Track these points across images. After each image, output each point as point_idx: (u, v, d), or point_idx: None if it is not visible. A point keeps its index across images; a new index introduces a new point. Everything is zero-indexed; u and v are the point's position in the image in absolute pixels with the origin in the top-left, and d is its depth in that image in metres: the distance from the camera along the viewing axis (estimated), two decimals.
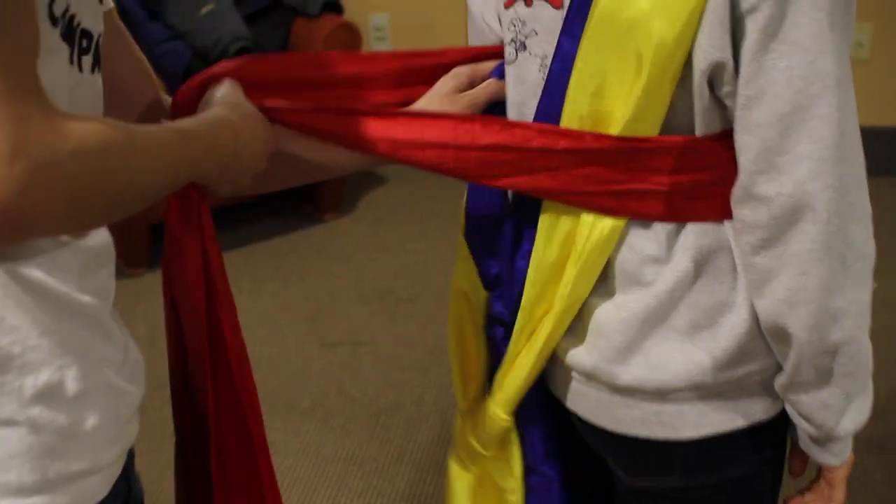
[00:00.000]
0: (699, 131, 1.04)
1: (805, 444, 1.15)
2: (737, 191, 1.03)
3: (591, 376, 1.14)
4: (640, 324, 1.09)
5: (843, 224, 0.99)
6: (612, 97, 1.03)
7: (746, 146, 1.00)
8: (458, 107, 1.20)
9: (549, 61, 1.08)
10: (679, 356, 1.09)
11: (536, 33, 1.10)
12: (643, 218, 1.08)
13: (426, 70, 1.24)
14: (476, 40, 1.26)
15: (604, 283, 1.11)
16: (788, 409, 1.13)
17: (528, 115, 1.13)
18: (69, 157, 0.79)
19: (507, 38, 1.15)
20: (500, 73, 1.20)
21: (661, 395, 1.11)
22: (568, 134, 1.06)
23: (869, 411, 1.11)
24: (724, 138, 1.04)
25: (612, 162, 1.06)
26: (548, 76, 1.08)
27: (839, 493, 1.18)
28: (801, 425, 1.13)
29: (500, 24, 1.18)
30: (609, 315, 1.11)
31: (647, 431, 1.14)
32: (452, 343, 1.31)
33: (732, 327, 1.08)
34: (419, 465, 2.55)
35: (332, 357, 3.01)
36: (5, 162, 0.75)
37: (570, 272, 1.10)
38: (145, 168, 0.90)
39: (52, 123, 0.78)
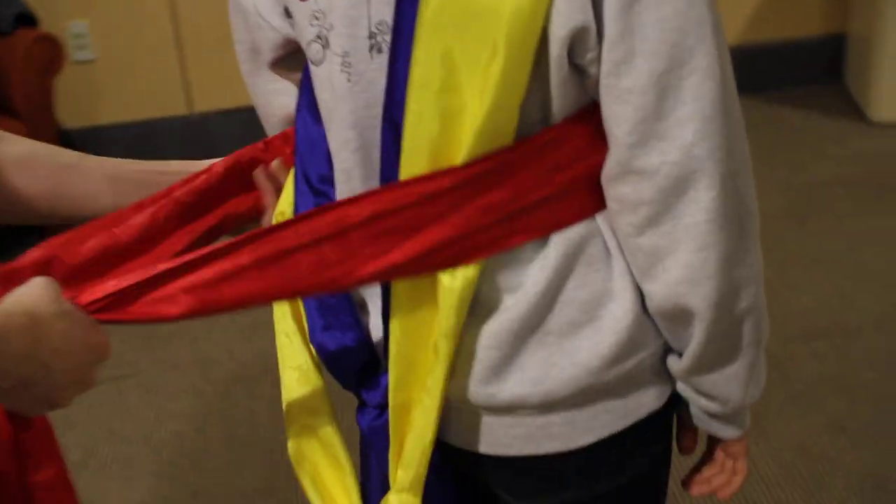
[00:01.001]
0: (557, 114, 0.93)
1: (703, 421, 1.08)
2: (611, 169, 0.92)
3: (464, 401, 1.01)
4: (514, 335, 0.97)
5: (736, 185, 0.91)
6: (465, 88, 0.88)
7: (619, 117, 0.88)
8: None
9: (350, 58, 0.95)
10: (561, 361, 0.98)
11: (333, 26, 0.95)
12: (528, 239, 0.96)
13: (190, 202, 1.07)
14: (244, 38, 1.10)
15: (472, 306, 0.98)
16: (685, 390, 1.05)
17: (344, 123, 0.99)
18: None
19: (310, 35, 0.98)
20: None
21: (547, 407, 1.00)
22: (416, 182, 0.92)
23: (765, 374, 1.05)
24: (583, 118, 0.94)
25: (495, 183, 0.93)
26: (389, 72, 0.92)
27: (743, 464, 1.13)
28: (701, 404, 1.05)
29: (292, 19, 1.03)
30: (479, 333, 0.98)
31: (533, 448, 1.03)
32: (308, 473, 1.10)
33: (615, 319, 0.98)
34: (217, 498, 2.39)
35: (92, 397, 2.77)
36: None
37: (445, 318, 0.96)
38: None
39: None
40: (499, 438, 1.03)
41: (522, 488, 1.09)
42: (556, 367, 0.98)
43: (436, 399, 0.98)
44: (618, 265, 0.98)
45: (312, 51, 0.99)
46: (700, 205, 0.90)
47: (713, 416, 1.06)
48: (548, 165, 0.93)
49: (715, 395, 1.03)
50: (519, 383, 0.99)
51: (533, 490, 1.08)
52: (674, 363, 1.03)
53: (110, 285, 0.92)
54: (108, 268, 1.01)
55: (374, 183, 0.98)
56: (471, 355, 0.99)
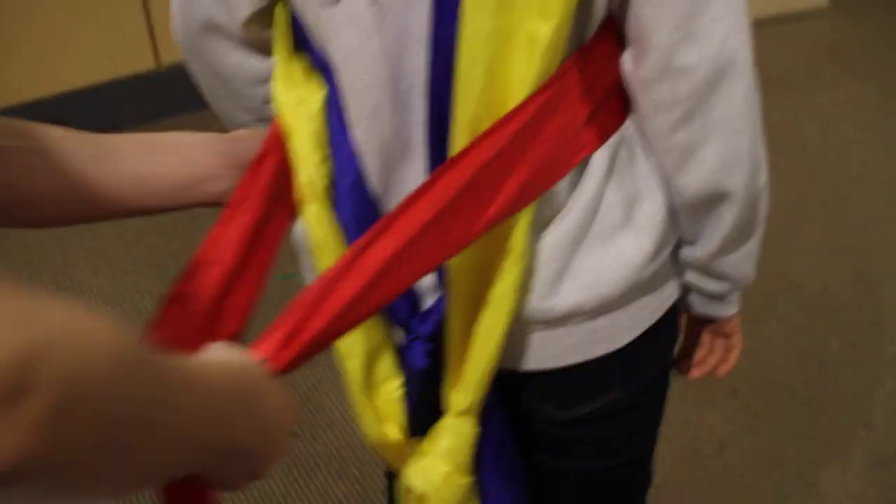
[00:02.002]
0: (589, 29, 0.96)
1: (702, 305, 1.16)
2: (649, 72, 0.94)
3: (522, 319, 1.03)
4: (569, 245, 1.01)
5: (754, 70, 0.96)
6: (527, 4, 0.88)
7: (658, 20, 0.91)
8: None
9: None
10: (610, 264, 1.02)
11: None
12: (590, 152, 0.99)
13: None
14: (201, 6, 1.05)
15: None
16: (695, 277, 1.12)
17: (374, 58, 0.97)
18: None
19: None
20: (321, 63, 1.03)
21: (598, 310, 1.04)
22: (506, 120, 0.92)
23: None
24: (605, 30, 0.97)
25: (562, 103, 0.95)
26: (434, 4, 0.91)
27: (739, 338, 1.23)
28: (710, 287, 1.12)
29: None
30: (537, 247, 1.01)
31: (583, 355, 1.07)
32: (359, 394, 1.11)
33: (649, 216, 1.03)
34: None
35: None
36: (5, 395, 0.50)
37: (521, 235, 0.97)
38: (164, 404, 0.62)
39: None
40: (550, 351, 1.07)
41: (569, 397, 1.13)
42: (607, 269, 1.02)
43: (503, 317, 1.00)
44: (643, 167, 1.02)
45: None
46: (734, 95, 0.94)
47: (715, 297, 1.14)
48: (589, 79, 0.97)
49: (730, 274, 1.09)
50: (574, 290, 1.02)
51: (580, 396, 1.13)
52: (692, 252, 1.08)
53: (304, 335, 0.88)
54: (231, 302, 0.97)
55: (407, 116, 0.98)
56: (530, 271, 1.01)
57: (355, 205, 1.03)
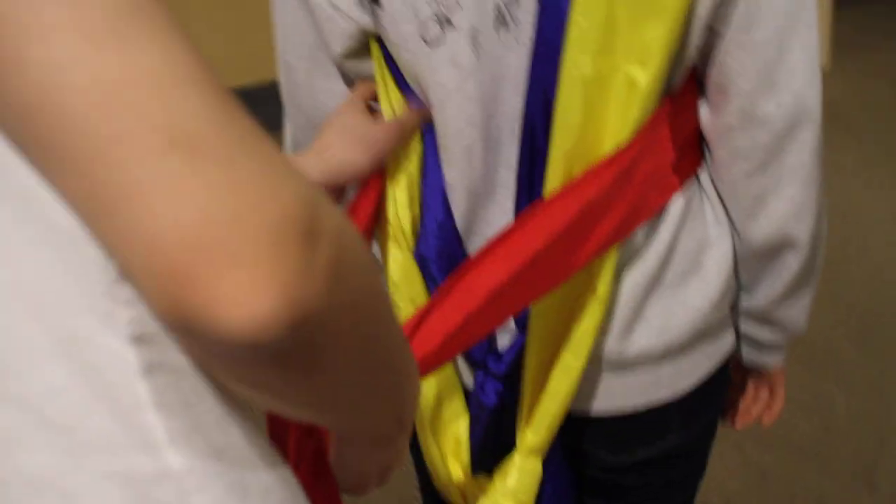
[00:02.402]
0: (680, 78, 0.99)
1: (753, 354, 1.18)
2: (730, 119, 0.98)
3: (595, 360, 1.06)
4: (644, 290, 1.04)
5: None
6: (620, 52, 0.91)
7: (744, 68, 0.96)
8: (377, 148, 1.02)
9: (479, 35, 0.95)
10: (678, 310, 1.05)
11: (460, 5, 0.94)
12: (669, 199, 1.03)
13: None
14: (307, 36, 1.04)
15: None
16: (751, 325, 1.14)
17: (470, 100, 0.98)
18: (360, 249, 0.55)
19: (424, 14, 0.96)
20: (416, 102, 1.03)
21: (663, 356, 1.07)
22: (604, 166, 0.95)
23: None
24: (689, 81, 1.00)
25: (652, 150, 0.98)
26: (536, 41, 0.93)
27: (782, 390, 1.26)
28: (764, 336, 1.15)
29: (377, 4, 0.99)
30: (616, 290, 1.04)
31: (646, 399, 1.10)
32: (427, 432, 1.13)
33: (717, 264, 1.06)
34: None
35: None
36: (301, 241, 0.49)
37: (605, 277, 1.00)
38: (388, 332, 0.62)
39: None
40: (615, 395, 1.09)
41: (628, 442, 1.15)
42: (675, 316, 1.06)
43: (582, 357, 1.02)
44: (711, 215, 1.06)
45: (429, 31, 0.97)
46: (806, 143, 0.98)
47: (766, 347, 1.16)
48: (677, 126, 1.00)
49: (786, 323, 1.12)
50: (645, 335, 1.05)
51: (639, 442, 1.15)
52: (752, 300, 1.11)
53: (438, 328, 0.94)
54: None
55: (496, 156, 1.01)
56: (608, 313, 1.04)
57: (441, 242, 1.05)
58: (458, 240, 1.05)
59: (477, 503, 1.12)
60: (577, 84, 0.92)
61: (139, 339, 0.55)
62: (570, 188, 0.95)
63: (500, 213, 1.03)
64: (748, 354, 1.18)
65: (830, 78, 4.07)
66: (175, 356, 0.56)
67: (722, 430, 1.28)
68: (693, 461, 1.24)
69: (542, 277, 0.96)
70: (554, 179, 0.96)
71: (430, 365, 0.95)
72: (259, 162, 0.49)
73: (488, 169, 1.02)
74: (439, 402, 1.11)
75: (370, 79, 1.05)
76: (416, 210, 1.06)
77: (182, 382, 0.57)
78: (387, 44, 1.01)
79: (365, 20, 1.00)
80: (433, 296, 0.98)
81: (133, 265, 0.49)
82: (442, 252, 1.05)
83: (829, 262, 2.94)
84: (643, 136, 0.96)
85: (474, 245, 1.05)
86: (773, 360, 1.19)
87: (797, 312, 1.12)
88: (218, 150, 0.48)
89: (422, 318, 0.97)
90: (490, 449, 1.11)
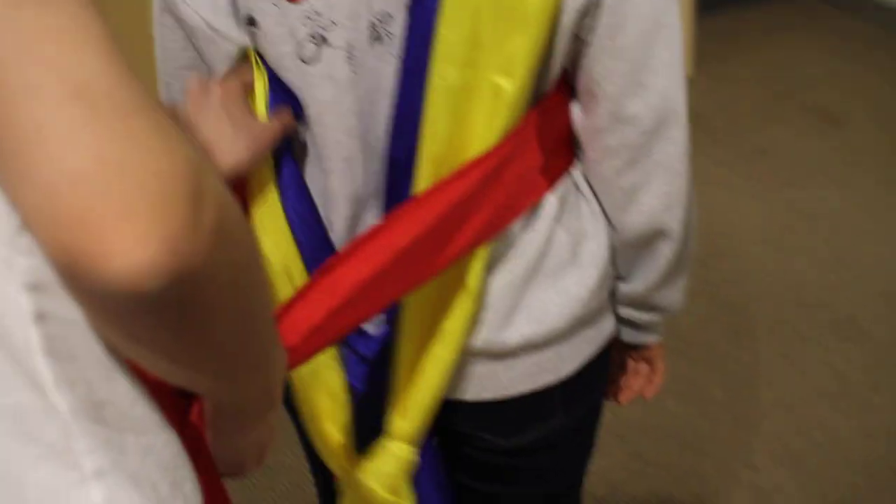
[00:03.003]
0: (548, 83, 1.02)
1: (633, 335, 1.23)
2: (600, 121, 1.03)
3: (474, 351, 1.10)
4: (523, 281, 1.08)
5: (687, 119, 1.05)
6: (486, 62, 0.95)
7: (611, 73, 0.99)
8: (260, 144, 1.02)
9: (354, 50, 0.98)
10: (558, 299, 1.09)
11: (336, 22, 0.98)
12: (542, 195, 1.07)
13: None
14: (183, 57, 1.08)
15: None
16: (629, 310, 1.20)
17: (348, 113, 1.02)
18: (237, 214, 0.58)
19: (300, 34, 0.99)
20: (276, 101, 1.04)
21: (546, 343, 1.11)
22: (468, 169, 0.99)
23: None
24: (558, 84, 1.04)
25: (521, 152, 1.02)
26: (405, 53, 0.97)
27: (661, 364, 1.32)
28: (643, 319, 1.20)
29: (255, 27, 1.01)
30: (493, 282, 1.08)
31: (530, 385, 1.13)
32: (307, 407, 1.17)
33: (593, 255, 1.11)
34: None
35: None
36: (190, 199, 0.52)
37: (476, 271, 1.05)
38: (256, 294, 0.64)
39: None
40: (499, 382, 1.12)
41: (513, 426, 1.18)
42: (555, 304, 1.09)
43: (452, 350, 1.06)
44: (587, 209, 1.10)
45: (306, 51, 1.00)
46: (673, 140, 1.03)
47: (645, 327, 1.22)
48: (545, 128, 1.03)
49: (664, 306, 1.18)
50: (525, 324, 1.09)
51: (524, 425, 1.18)
52: (630, 288, 1.16)
53: (303, 320, 0.97)
54: None
55: (376, 165, 1.04)
56: (486, 306, 1.08)
57: (307, 237, 1.07)
58: (325, 238, 1.08)
59: (351, 481, 1.16)
60: (443, 94, 0.96)
61: (34, 287, 0.58)
62: (436, 189, 0.98)
63: (377, 217, 1.07)
64: (627, 335, 1.24)
65: (693, 84, 4.21)
66: (68, 309, 0.59)
67: (604, 423, 1.33)
68: (578, 444, 1.28)
69: (407, 274, 0.99)
70: (422, 184, 0.99)
71: (296, 358, 0.97)
72: (153, 122, 0.52)
73: (369, 177, 1.05)
74: (315, 366, 1.13)
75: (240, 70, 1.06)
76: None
77: (71, 334, 0.60)
78: (267, 60, 1.03)
79: (244, 40, 1.02)
80: (296, 292, 1.00)
81: (29, 208, 0.51)
82: (319, 259, 1.07)
83: (702, 260, 3.09)
84: (511, 141, 0.99)
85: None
86: (651, 338, 1.26)
87: (673, 294, 1.18)
88: (117, 105, 0.51)
89: (285, 311, 0.99)
90: (362, 429, 1.14)
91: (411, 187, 1.01)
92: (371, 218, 1.07)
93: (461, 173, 0.98)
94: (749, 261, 3.16)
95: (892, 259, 3.14)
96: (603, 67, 0.99)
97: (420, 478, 1.17)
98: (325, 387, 1.14)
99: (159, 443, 0.66)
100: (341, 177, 1.05)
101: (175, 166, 0.51)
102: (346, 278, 0.97)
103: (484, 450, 1.22)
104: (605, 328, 1.19)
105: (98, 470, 0.60)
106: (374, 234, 0.99)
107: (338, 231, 1.08)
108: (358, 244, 0.99)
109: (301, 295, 0.99)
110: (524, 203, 1.05)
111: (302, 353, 0.97)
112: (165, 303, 0.52)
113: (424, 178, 1.00)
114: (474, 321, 1.07)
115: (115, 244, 0.49)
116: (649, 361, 1.32)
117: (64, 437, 0.59)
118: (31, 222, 0.51)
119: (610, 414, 1.39)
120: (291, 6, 0.98)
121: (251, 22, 1.01)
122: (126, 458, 0.63)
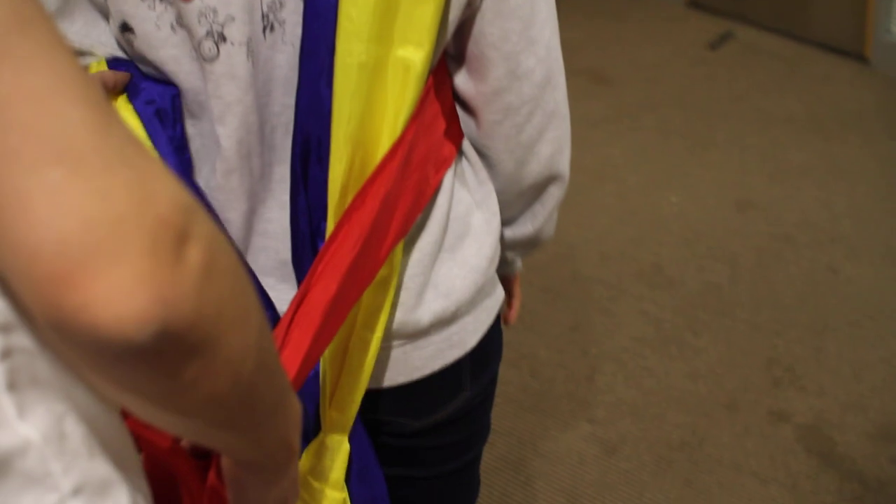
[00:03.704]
0: (440, 50, 1.02)
1: (504, 270, 1.28)
2: (498, 82, 1.04)
3: (391, 336, 1.09)
4: (430, 258, 1.08)
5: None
6: (400, 34, 0.93)
7: (508, 33, 1.01)
8: None
9: (255, 44, 0.95)
10: (460, 271, 1.10)
11: (233, 17, 0.95)
12: (445, 171, 1.08)
13: None
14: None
15: None
16: (517, 252, 1.27)
17: (249, 109, 0.98)
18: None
19: (200, 33, 0.96)
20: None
21: (453, 317, 1.11)
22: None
23: None
24: (443, 58, 1.05)
25: (429, 128, 1.02)
26: (304, 37, 0.94)
27: (519, 290, 1.40)
28: (525, 252, 1.28)
29: (130, 33, 0.98)
30: (406, 263, 1.07)
31: (441, 362, 1.13)
32: None
33: (486, 223, 1.13)
34: None
35: None
36: (174, 244, 0.52)
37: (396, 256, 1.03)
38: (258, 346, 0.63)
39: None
40: (411, 364, 1.11)
41: (426, 405, 1.17)
42: (458, 277, 1.10)
43: (377, 330, 1.04)
44: (473, 180, 1.12)
45: (206, 49, 0.97)
46: (559, 86, 1.09)
47: (513, 262, 1.30)
48: (441, 99, 1.05)
49: (544, 237, 1.24)
50: (434, 300, 1.09)
51: (434, 404, 1.17)
52: (520, 230, 1.21)
53: (294, 354, 0.93)
54: None
55: (271, 156, 1.02)
56: (399, 286, 1.07)
57: None
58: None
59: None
60: (352, 72, 0.94)
61: (1, 329, 0.57)
62: (366, 189, 0.97)
63: (277, 206, 1.04)
64: (501, 270, 1.25)
65: None
66: (30, 339, 0.59)
67: None
68: (482, 414, 1.28)
69: (361, 279, 0.98)
70: (338, 166, 0.97)
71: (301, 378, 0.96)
72: (136, 170, 0.52)
73: (265, 170, 1.02)
74: None
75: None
76: None
77: (35, 362, 0.60)
78: (147, 65, 1.01)
79: (117, 51, 1.02)
80: (277, 329, 0.97)
81: (12, 269, 0.51)
82: None
83: None
84: (418, 116, 0.99)
85: (255, 244, 1.05)
86: (517, 268, 1.33)
87: (551, 225, 1.24)
88: (97, 160, 0.51)
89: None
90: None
91: (325, 171, 0.98)
92: (269, 210, 1.04)
93: (383, 164, 0.97)
94: (562, 228, 3.19)
95: (684, 206, 3.25)
96: (499, 29, 1.01)
97: (352, 469, 1.13)
98: None
99: (119, 481, 0.66)
100: (241, 173, 1.02)
101: (159, 213, 0.51)
102: (319, 301, 0.95)
103: (395, 435, 1.20)
104: (499, 295, 1.20)
105: (75, 487, 0.61)
106: (330, 248, 0.97)
107: (235, 228, 1.05)
108: (319, 263, 0.96)
109: (285, 328, 0.95)
110: (435, 180, 1.06)
111: (297, 386, 0.93)
112: (159, 350, 0.53)
113: (340, 160, 0.97)
114: (397, 303, 1.07)
115: (103, 296, 0.50)
116: (511, 291, 1.36)
117: (41, 463, 0.59)
118: (14, 282, 0.52)
119: None
120: (185, 6, 0.95)
121: (126, 28, 0.99)
122: (94, 464, 0.63)
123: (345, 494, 1.09)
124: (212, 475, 0.88)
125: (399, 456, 1.22)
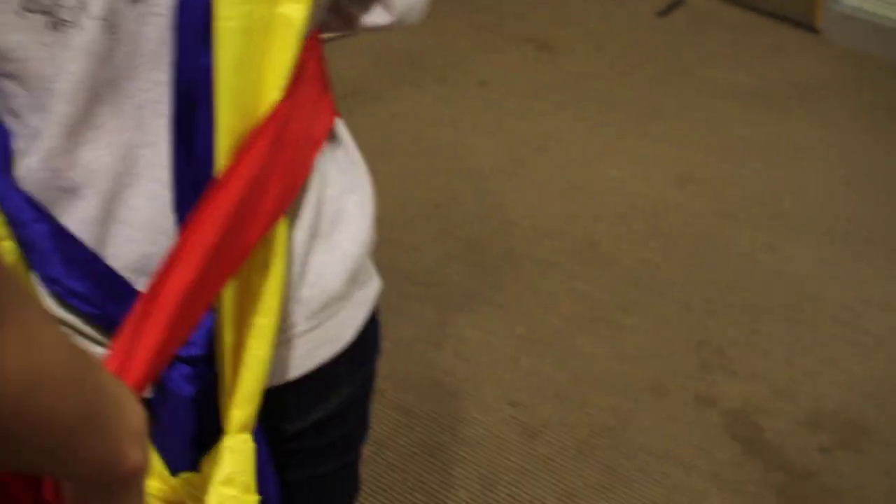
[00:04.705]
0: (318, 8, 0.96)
1: None
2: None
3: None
4: (304, 245, 1.01)
5: None
6: None
7: None
8: None
9: (117, 17, 0.87)
10: (334, 258, 1.04)
11: None
12: (323, 142, 1.01)
13: None
14: None
15: None
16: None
17: (102, 83, 0.90)
18: None
19: (64, 14, 0.88)
20: None
21: (324, 309, 1.05)
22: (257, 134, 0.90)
23: None
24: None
25: (306, 92, 0.95)
26: (179, 7, 0.87)
27: None
28: None
29: None
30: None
31: (318, 359, 1.06)
32: None
33: (360, 206, 1.07)
34: None
35: None
36: None
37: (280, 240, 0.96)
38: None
39: None
40: (286, 365, 1.05)
41: (301, 406, 1.10)
42: (331, 264, 1.04)
43: (272, 315, 0.97)
44: (345, 160, 1.06)
45: (57, 28, 0.88)
46: None
47: None
48: (317, 61, 0.99)
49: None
50: (308, 290, 1.02)
51: (312, 403, 1.11)
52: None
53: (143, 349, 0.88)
54: None
55: (139, 138, 0.93)
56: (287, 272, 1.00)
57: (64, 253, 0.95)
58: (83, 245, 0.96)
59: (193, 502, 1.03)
60: (234, 37, 0.87)
61: None
62: (228, 172, 0.90)
63: (147, 195, 0.95)
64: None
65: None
66: None
67: None
68: (362, 411, 1.22)
69: (225, 264, 0.92)
70: (225, 140, 0.90)
71: (141, 388, 0.90)
72: None
73: (129, 152, 0.94)
74: None
75: None
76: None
77: None
78: None
79: None
80: (128, 317, 0.91)
81: None
82: (69, 260, 0.95)
83: (439, 203, 3.03)
84: (293, 90, 0.92)
85: (118, 234, 0.96)
86: None
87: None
88: None
89: (119, 347, 0.91)
90: (190, 443, 1.03)
91: (210, 149, 0.91)
92: (135, 199, 0.95)
93: (249, 143, 0.90)
94: (485, 197, 3.12)
95: (624, 180, 3.17)
96: None
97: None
98: None
99: None
100: (96, 156, 0.93)
101: None
102: (173, 289, 0.89)
103: (269, 438, 1.10)
104: (374, 286, 1.14)
105: None
106: (186, 232, 0.90)
107: (91, 218, 0.96)
108: (175, 250, 0.90)
109: (134, 325, 0.90)
110: (309, 158, 0.99)
111: (147, 380, 0.89)
112: None
113: (227, 133, 0.90)
114: (286, 285, 1.00)
115: None
116: None
117: None
118: None
119: None
120: None
121: None
122: None
123: (257, 498, 1.02)
124: (47, 490, 0.84)
125: (273, 459, 1.12)
